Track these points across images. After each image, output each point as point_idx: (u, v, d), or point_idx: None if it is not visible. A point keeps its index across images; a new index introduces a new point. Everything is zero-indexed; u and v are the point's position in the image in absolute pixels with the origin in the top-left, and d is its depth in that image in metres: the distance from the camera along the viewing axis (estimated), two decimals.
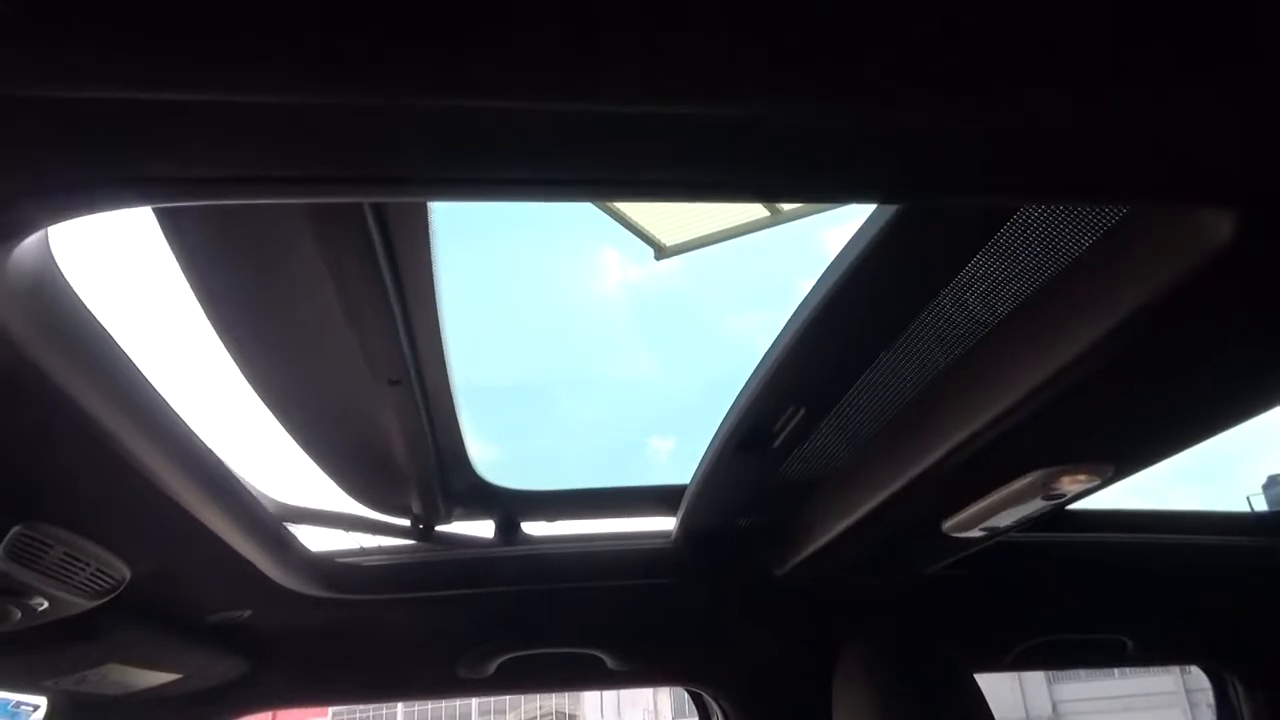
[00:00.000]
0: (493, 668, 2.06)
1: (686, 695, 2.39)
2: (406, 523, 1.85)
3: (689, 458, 1.71)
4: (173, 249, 1.03)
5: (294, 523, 1.72)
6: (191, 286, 1.09)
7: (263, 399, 1.37)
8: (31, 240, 0.75)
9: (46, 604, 1.30)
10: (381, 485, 1.71)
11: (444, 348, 1.30)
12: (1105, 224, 0.89)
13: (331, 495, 1.74)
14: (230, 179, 0.66)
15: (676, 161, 0.66)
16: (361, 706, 11.67)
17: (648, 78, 0.57)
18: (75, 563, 1.26)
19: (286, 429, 1.47)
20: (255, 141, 0.61)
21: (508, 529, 1.93)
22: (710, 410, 1.52)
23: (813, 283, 1.10)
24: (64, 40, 0.53)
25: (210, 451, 1.32)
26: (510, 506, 1.90)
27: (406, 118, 0.60)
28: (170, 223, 0.99)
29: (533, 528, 1.97)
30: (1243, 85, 0.64)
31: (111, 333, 1.01)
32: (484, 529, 1.95)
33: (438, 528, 1.87)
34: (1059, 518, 1.82)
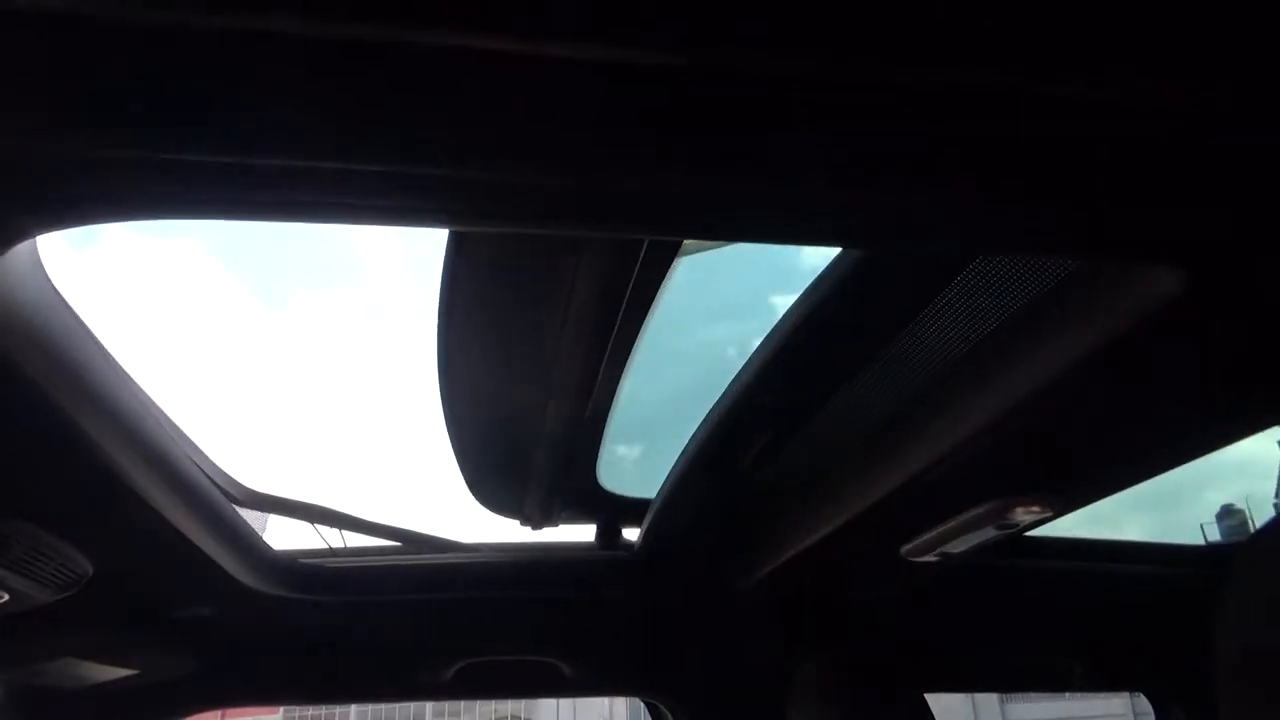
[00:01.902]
0: (451, 673, 2.07)
1: (643, 703, 2.40)
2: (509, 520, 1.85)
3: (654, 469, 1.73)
4: (448, 251, 1.04)
5: (268, 512, 1.72)
6: (444, 285, 1.10)
7: (443, 395, 1.39)
8: (20, 246, 0.76)
9: (6, 596, 1.30)
10: (508, 482, 1.71)
11: (628, 366, 1.31)
12: (1063, 272, 0.93)
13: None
14: (214, 200, 0.67)
15: (661, 215, 0.73)
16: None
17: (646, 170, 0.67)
18: (39, 557, 1.25)
19: (448, 422, 1.48)
20: (243, 171, 0.63)
21: (609, 534, 1.94)
22: (681, 422, 1.54)
23: (787, 296, 1.14)
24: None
25: (185, 454, 1.32)
26: (614, 512, 1.91)
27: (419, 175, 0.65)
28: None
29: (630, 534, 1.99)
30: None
31: (98, 336, 1.01)
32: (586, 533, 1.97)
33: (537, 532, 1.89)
34: (1014, 544, 1.86)
